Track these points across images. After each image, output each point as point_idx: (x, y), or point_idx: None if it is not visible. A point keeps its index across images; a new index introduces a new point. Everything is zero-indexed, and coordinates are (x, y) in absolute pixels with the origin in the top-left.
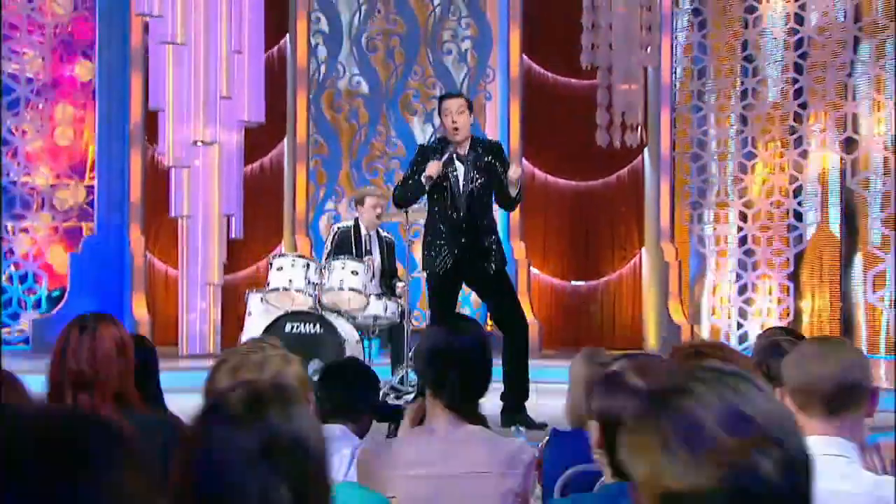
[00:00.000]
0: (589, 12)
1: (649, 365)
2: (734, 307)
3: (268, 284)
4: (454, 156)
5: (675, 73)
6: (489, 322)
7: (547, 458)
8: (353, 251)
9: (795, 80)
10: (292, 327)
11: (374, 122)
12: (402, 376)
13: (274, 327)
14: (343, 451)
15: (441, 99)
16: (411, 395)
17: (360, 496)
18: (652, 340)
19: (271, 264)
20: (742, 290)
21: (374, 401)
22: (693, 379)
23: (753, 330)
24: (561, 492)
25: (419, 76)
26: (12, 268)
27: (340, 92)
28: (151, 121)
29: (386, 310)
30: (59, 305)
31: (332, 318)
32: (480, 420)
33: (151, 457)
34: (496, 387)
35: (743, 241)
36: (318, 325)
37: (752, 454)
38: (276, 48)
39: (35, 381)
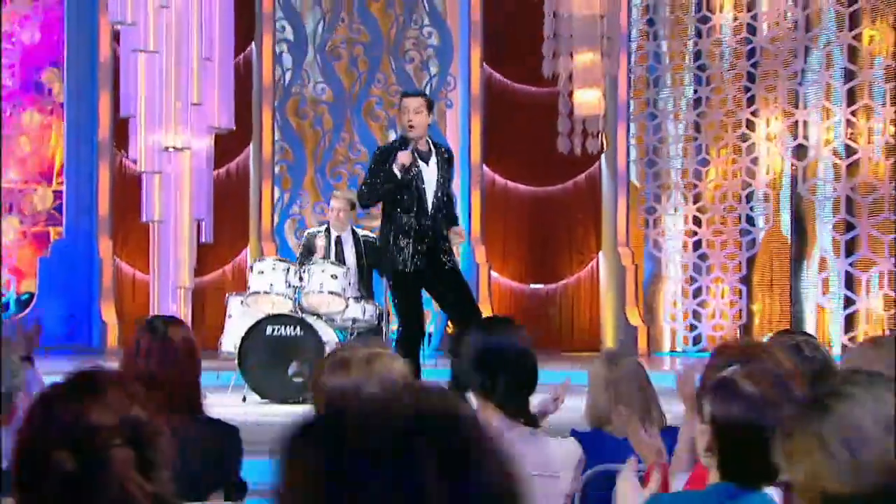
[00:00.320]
0: (550, 22)
1: (760, 372)
2: (689, 309)
3: (248, 288)
4: (416, 153)
5: (631, 81)
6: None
7: None
8: (324, 254)
9: (748, 89)
10: (273, 330)
11: (339, 128)
12: None
13: (255, 330)
14: None
15: (402, 96)
16: None
17: None
18: (609, 342)
19: (252, 268)
20: (696, 292)
21: None
22: (849, 383)
23: (707, 332)
24: (582, 491)
25: (382, 84)
26: None
27: (305, 99)
28: (119, 127)
29: (364, 312)
30: (28, 308)
31: (311, 320)
32: (531, 420)
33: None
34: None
35: (697, 245)
36: (298, 328)
37: None
38: (241, 56)
39: None
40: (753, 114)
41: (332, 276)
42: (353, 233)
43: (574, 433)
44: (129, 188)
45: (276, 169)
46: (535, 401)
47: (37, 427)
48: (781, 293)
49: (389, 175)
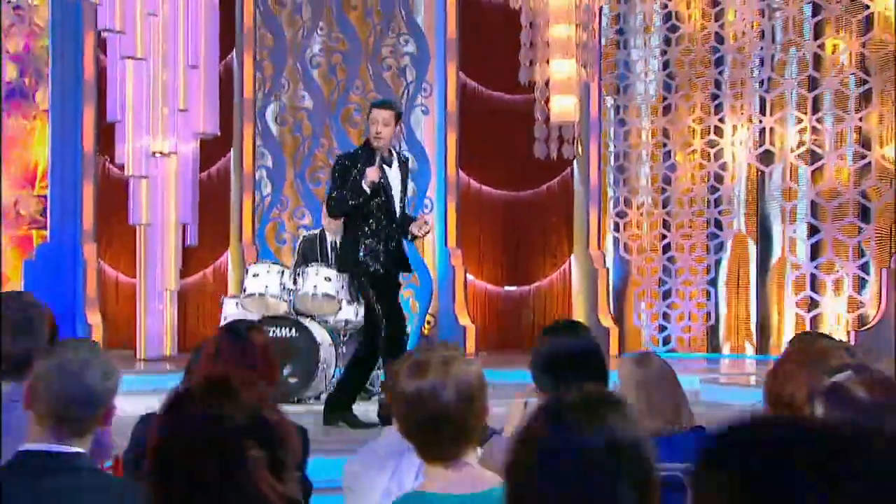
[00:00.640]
0: (527, 30)
1: (873, 378)
2: (658, 311)
3: (244, 290)
4: (382, 162)
5: (601, 88)
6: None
7: None
8: (319, 258)
9: (715, 96)
10: (268, 331)
11: (318, 134)
12: (373, 378)
13: None
14: (414, 453)
15: (372, 106)
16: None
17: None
18: None
19: (247, 271)
20: (666, 295)
21: None
22: None
23: (676, 333)
24: None
25: (360, 91)
26: None
27: (285, 106)
28: (103, 133)
29: (357, 314)
30: None
31: (306, 322)
32: None
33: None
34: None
35: (666, 248)
36: (293, 329)
37: None
38: (222, 63)
39: None
40: (721, 120)
41: (325, 278)
42: None
43: None
44: (112, 193)
45: (257, 174)
46: None
47: (172, 428)
48: (748, 295)
49: (358, 191)
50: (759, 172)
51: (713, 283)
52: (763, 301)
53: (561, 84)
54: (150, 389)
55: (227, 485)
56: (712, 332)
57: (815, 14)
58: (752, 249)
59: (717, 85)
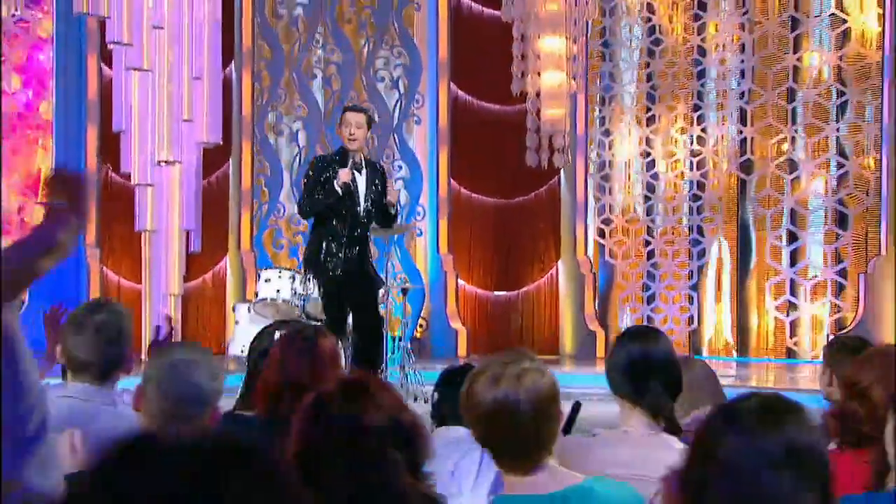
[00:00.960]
0: (518, 42)
1: None
2: (643, 315)
3: (256, 295)
4: (353, 166)
5: (587, 99)
6: (419, 329)
7: None
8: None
9: (698, 107)
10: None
11: (313, 143)
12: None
13: (264, 334)
14: (473, 454)
15: (345, 110)
16: None
17: (615, 488)
18: (568, 346)
19: (259, 276)
20: (650, 299)
21: None
22: None
23: None
24: None
25: (355, 101)
26: None
27: (282, 115)
28: (106, 142)
29: None
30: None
31: (317, 326)
32: (674, 426)
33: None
34: None
35: (650, 254)
36: None
37: None
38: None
39: None
40: (703, 130)
41: None
42: None
43: None
44: (114, 200)
45: (255, 181)
46: None
47: (314, 428)
48: (729, 300)
49: (331, 191)
50: (740, 181)
51: (695, 287)
52: (743, 305)
53: (552, 95)
54: None
55: (369, 485)
56: (694, 335)
57: (793, 28)
58: (733, 255)
59: (700, 96)
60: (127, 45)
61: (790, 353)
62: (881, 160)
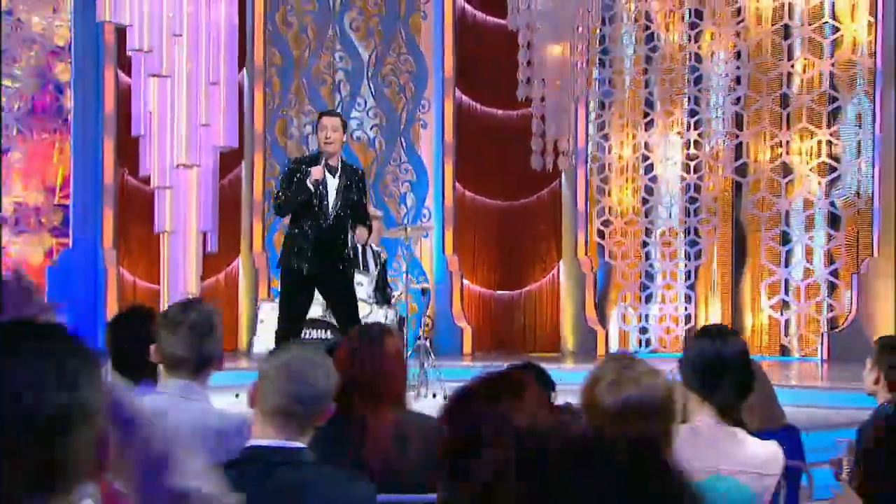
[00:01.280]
0: (524, 49)
1: None
2: (641, 314)
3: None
4: (326, 167)
5: (588, 105)
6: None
7: None
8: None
9: (695, 112)
10: (305, 333)
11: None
12: None
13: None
14: None
15: (320, 115)
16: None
17: (732, 485)
18: (570, 343)
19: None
20: (648, 298)
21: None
22: None
23: (657, 335)
24: None
25: (362, 106)
26: None
27: (292, 119)
28: (122, 145)
29: (386, 317)
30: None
31: (382, 325)
32: (741, 422)
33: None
34: None
35: (648, 255)
36: (328, 331)
37: None
38: None
39: None
40: (700, 135)
41: (358, 283)
42: (371, 245)
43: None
44: (130, 203)
45: (266, 184)
46: None
47: (462, 425)
48: (724, 299)
49: (303, 188)
50: (736, 183)
51: (692, 287)
52: (738, 304)
53: (556, 100)
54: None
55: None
56: (691, 333)
57: (787, 36)
58: (729, 256)
59: (696, 101)
60: (147, 53)
61: (784, 351)
62: (872, 164)
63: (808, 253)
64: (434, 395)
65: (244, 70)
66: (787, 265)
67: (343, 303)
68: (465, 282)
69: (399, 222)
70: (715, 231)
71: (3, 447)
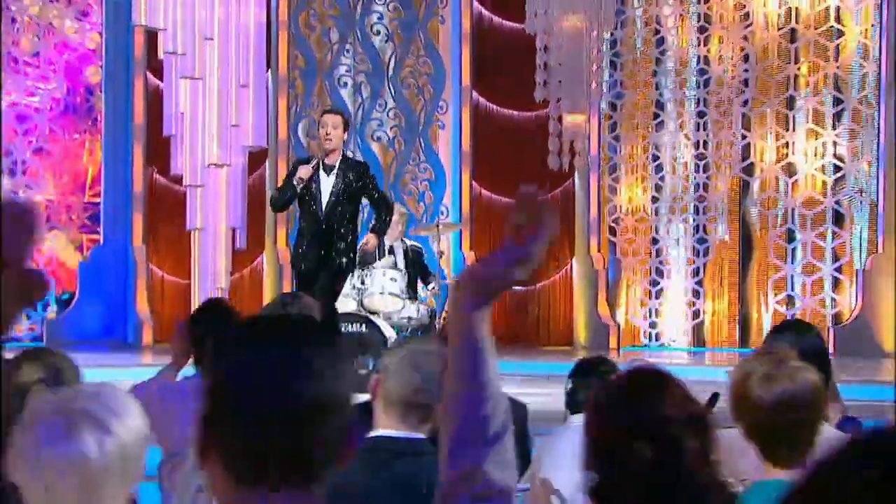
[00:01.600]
0: (541, 52)
1: None
2: (651, 309)
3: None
4: (321, 166)
5: (600, 106)
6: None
7: None
8: (377, 260)
9: (703, 114)
10: (342, 327)
11: (344, 147)
12: None
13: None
14: None
15: (323, 113)
16: None
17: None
18: (582, 337)
19: None
20: (658, 294)
21: None
22: None
23: (666, 329)
24: None
25: (382, 107)
26: None
27: (315, 121)
28: (151, 145)
29: (418, 311)
30: (70, 307)
31: (374, 318)
32: (826, 417)
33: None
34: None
35: (658, 252)
36: (363, 325)
37: None
38: None
39: None
40: (708, 135)
41: (391, 279)
42: (403, 241)
43: None
44: (159, 201)
45: None
46: None
47: (611, 419)
48: (731, 295)
49: (290, 187)
50: (743, 182)
51: (700, 283)
52: (745, 300)
53: (572, 102)
54: None
55: (668, 472)
56: (699, 327)
57: (793, 40)
58: (737, 253)
59: (705, 103)
60: (180, 55)
61: None
62: (876, 164)
63: (814, 250)
64: None
65: (268, 73)
66: (792, 262)
67: (322, 287)
68: None
69: (418, 220)
70: (722, 228)
71: (265, 436)
